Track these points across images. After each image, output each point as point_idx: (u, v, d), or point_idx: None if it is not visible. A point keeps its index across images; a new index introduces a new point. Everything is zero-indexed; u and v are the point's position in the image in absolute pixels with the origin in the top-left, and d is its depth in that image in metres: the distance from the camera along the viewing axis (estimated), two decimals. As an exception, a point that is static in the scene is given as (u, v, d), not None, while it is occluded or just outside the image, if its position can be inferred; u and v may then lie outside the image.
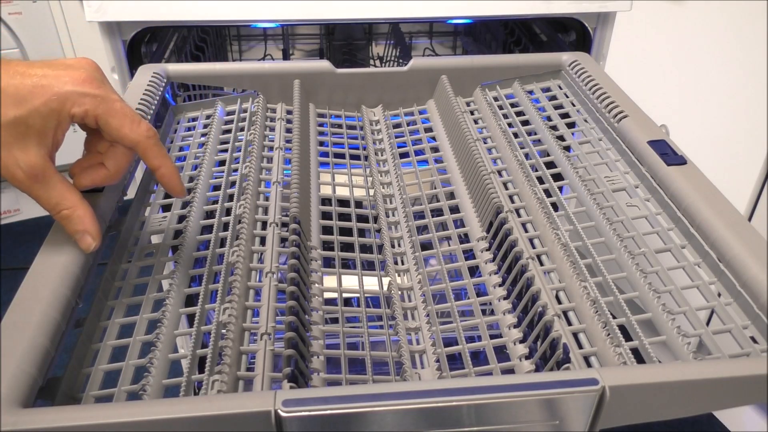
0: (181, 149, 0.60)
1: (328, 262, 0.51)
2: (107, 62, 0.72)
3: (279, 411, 0.30)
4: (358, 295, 0.48)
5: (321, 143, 0.64)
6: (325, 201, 0.57)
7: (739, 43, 1.04)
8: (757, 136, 1.03)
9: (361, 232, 0.54)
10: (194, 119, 0.65)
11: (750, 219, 1.08)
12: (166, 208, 0.52)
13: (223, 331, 0.41)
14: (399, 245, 0.53)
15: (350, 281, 0.49)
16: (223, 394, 0.36)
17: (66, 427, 0.29)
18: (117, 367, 0.39)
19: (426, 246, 0.53)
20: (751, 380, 0.33)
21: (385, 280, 0.50)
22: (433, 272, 0.50)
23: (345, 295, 0.48)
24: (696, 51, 1.11)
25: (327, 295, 0.48)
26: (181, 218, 0.51)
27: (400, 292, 0.49)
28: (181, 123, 0.64)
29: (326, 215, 0.55)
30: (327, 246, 0.53)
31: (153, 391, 0.37)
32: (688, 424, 1.24)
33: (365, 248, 0.53)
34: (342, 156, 0.63)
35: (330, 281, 0.49)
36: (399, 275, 0.51)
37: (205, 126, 0.63)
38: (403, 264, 0.52)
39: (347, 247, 0.52)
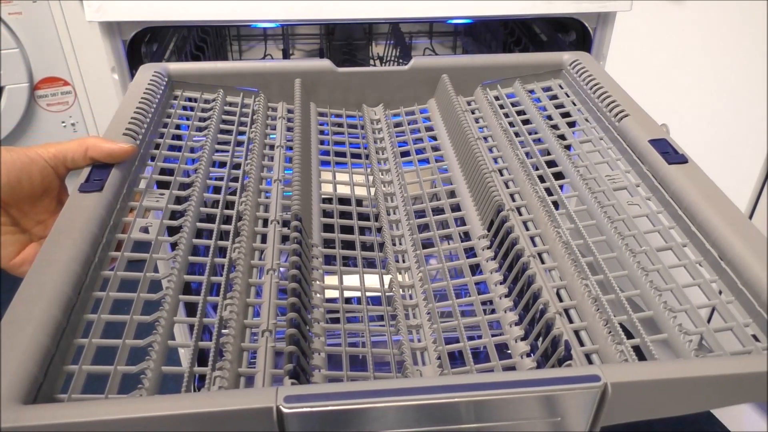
0: (178, 132, 0.60)
1: (329, 260, 0.51)
2: (107, 62, 0.72)
3: (281, 407, 0.30)
4: (359, 293, 0.48)
5: (322, 142, 0.64)
6: (326, 199, 0.57)
7: (739, 43, 1.04)
8: (757, 136, 1.03)
9: (362, 231, 0.54)
10: (193, 100, 0.65)
11: (750, 218, 1.08)
12: (163, 185, 0.52)
13: (224, 328, 0.40)
14: (400, 243, 0.53)
15: (351, 279, 0.49)
16: (225, 390, 0.36)
17: (67, 424, 0.29)
18: (113, 343, 0.38)
19: (427, 244, 0.53)
20: (752, 378, 0.33)
21: (387, 278, 0.50)
22: (434, 270, 0.50)
23: (346, 293, 0.48)
24: (696, 51, 1.11)
25: (328, 293, 0.48)
26: (178, 201, 0.51)
27: (401, 290, 0.49)
28: (178, 101, 0.63)
29: (327, 213, 0.55)
30: (328, 244, 0.53)
31: (153, 376, 0.37)
32: (688, 423, 1.24)
33: (366, 246, 0.53)
34: (343, 155, 0.63)
35: (331, 279, 0.49)
36: (400, 273, 0.51)
37: (204, 110, 0.63)
38: (404, 262, 0.52)
39: (348, 245, 0.52)
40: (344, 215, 0.55)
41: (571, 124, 0.63)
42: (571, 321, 0.43)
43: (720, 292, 0.43)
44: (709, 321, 0.41)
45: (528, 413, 0.32)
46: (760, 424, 1.17)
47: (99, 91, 1.55)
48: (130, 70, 0.74)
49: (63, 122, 1.57)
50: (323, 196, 0.57)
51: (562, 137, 0.61)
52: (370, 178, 0.60)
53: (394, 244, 0.53)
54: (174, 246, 0.46)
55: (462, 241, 0.52)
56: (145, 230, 0.47)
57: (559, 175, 0.56)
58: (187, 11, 0.69)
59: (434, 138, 0.66)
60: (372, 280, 0.50)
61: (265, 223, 0.51)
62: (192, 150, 0.57)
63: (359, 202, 0.57)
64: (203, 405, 0.30)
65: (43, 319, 0.35)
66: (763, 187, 1.06)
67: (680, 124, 1.05)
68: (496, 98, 0.68)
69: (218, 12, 0.70)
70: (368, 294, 0.48)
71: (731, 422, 1.23)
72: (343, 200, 0.56)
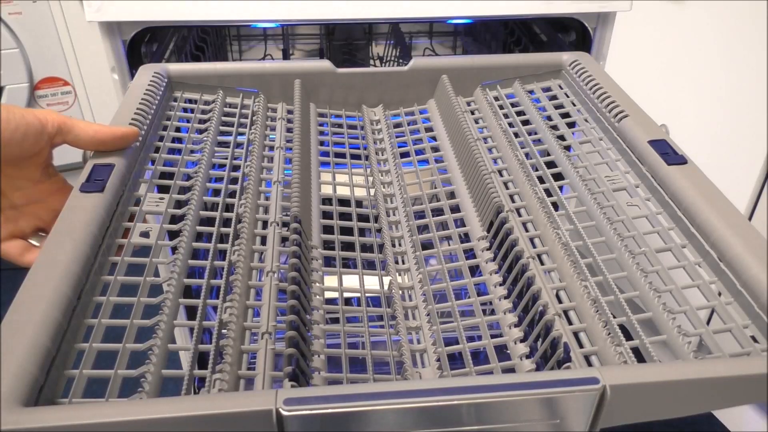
0: (178, 135, 0.60)
1: (328, 262, 0.51)
2: (107, 62, 0.72)
3: (280, 410, 0.30)
4: (358, 294, 0.48)
5: (321, 143, 0.64)
6: (326, 201, 0.57)
7: (739, 43, 1.04)
8: (757, 136, 1.03)
9: (362, 232, 0.54)
10: (192, 101, 0.65)
11: (750, 219, 1.08)
12: (162, 188, 0.52)
13: (224, 330, 0.41)
14: (400, 244, 0.53)
15: (351, 281, 0.49)
16: (224, 393, 0.36)
17: (68, 426, 0.29)
18: (114, 347, 0.38)
19: (426, 245, 0.53)
20: (752, 379, 0.33)
21: (386, 280, 0.50)
22: (434, 272, 0.50)
23: (345, 294, 0.48)
24: (696, 51, 1.11)
25: (328, 294, 0.48)
26: (178, 204, 0.51)
27: (400, 292, 0.49)
28: (178, 102, 0.63)
29: (327, 215, 0.55)
30: (328, 245, 0.53)
31: (153, 380, 0.37)
32: (688, 424, 1.24)
33: (366, 248, 0.53)
34: (343, 155, 0.63)
35: (331, 281, 0.49)
36: (400, 274, 0.51)
37: (204, 112, 0.63)
38: (403, 263, 0.52)
39: (348, 246, 0.52)
40: (344, 216, 0.55)
41: (571, 125, 0.63)
42: (570, 322, 0.43)
43: (719, 294, 0.43)
44: (708, 322, 0.41)
45: (527, 415, 0.32)
46: (760, 424, 1.17)
47: (99, 91, 1.55)
48: (130, 70, 0.74)
49: (63, 122, 1.57)
50: (323, 198, 0.57)
51: (561, 138, 0.61)
52: (370, 179, 0.60)
53: (394, 246, 0.53)
54: (174, 250, 0.46)
55: (461, 242, 0.52)
56: (146, 235, 0.47)
57: (558, 176, 0.56)
58: (187, 11, 0.69)
59: (434, 138, 0.66)
60: (371, 281, 0.50)
61: (265, 224, 0.51)
62: (192, 152, 0.57)
63: (359, 204, 0.57)
64: (202, 407, 0.30)
65: (44, 320, 0.35)
66: (763, 188, 1.06)
67: (680, 124, 1.05)
68: (496, 99, 0.68)
69: (218, 12, 0.70)
70: (368, 295, 0.48)
71: (731, 422, 1.23)
72: (343, 201, 0.56)
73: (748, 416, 1.19)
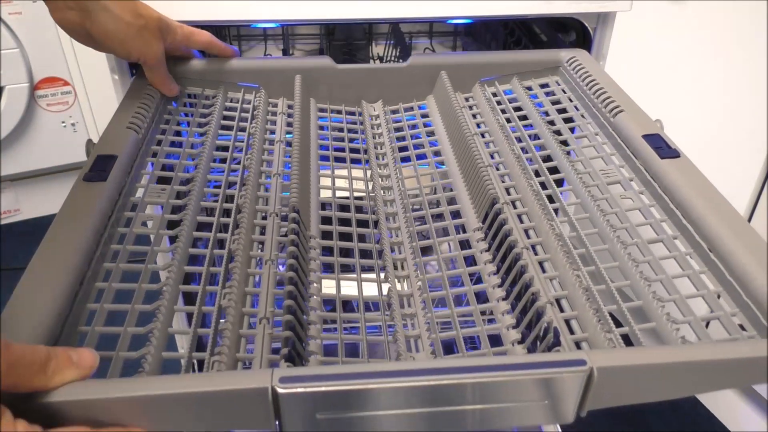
0: (180, 129, 0.61)
1: (326, 254, 0.52)
2: (107, 62, 0.72)
3: (276, 387, 0.30)
4: (355, 283, 0.49)
5: (321, 137, 0.65)
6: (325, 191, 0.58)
7: (739, 43, 1.05)
8: (757, 136, 1.03)
9: (360, 224, 0.55)
10: (194, 95, 0.66)
11: (750, 219, 1.08)
12: (164, 180, 0.53)
13: (223, 317, 0.41)
14: (396, 235, 0.54)
15: (348, 272, 0.50)
16: (221, 372, 0.37)
17: (70, 402, 0.30)
18: (115, 331, 0.39)
19: (423, 237, 0.53)
20: (735, 363, 0.34)
21: (383, 275, 0.50)
22: (432, 261, 0.51)
23: (342, 289, 0.49)
24: (696, 51, 1.12)
25: (326, 283, 0.49)
26: (179, 195, 0.52)
27: (396, 281, 0.50)
28: (180, 96, 0.64)
29: (326, 206, 0.56)
30: (325, 236, 0.53)
31: (153, 361, 0.37)
32: (688, 423, 1.24)
33: (364, 239, 0.53)
34: (342, 150, 0.63)
35: (329, 273, 0.50)
36: (395, 266, 0.51)
37: (205, 106, 0.64)
38: (400, 253, 0.53)
39: (346, 237, 0.53)
40: (342, 208, 0.56)
41: (568, 120, 0.64)
42: (562, 310, 0.44)
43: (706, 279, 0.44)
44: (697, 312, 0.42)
45: (516, 396, 0.33)
46: (760, 424, 1.17)
47: (99, 91, 1.55)
48: (129, 70, 0.75)
49: (63, 122, 1.57)
50: (322, 190, 0.58)
51: (558, 133, 0.61)
52: (368, 173, 0.61)
53: (391, 237, 0.54)
54: (174, 239, 0.47)
55: (457, 234, 0.53)
56: (147, 224, 0.48)
57: (554, 170, 0.57)
58: (188, 11, 0.70)
59: (432, 133, 0.67)
60: (369, 277, 0.50)
61: (264, 216, 0.52)
62: (193, 145, 0.58)
63: (357, 197, 0.58)
64: (200, 385, 0.31)
65: (47, 306, 0.36)
66: (763, 188, 1.07)
67: (680, 123, 1.06)
68: (494, 95, 0.69)
69: (218, 12, 0.70)
70: (364, 284, 0.49)
71: (731, 422, 1.23)
72: (342, 194, 0.57)
73: (748, 416, 1.19)
